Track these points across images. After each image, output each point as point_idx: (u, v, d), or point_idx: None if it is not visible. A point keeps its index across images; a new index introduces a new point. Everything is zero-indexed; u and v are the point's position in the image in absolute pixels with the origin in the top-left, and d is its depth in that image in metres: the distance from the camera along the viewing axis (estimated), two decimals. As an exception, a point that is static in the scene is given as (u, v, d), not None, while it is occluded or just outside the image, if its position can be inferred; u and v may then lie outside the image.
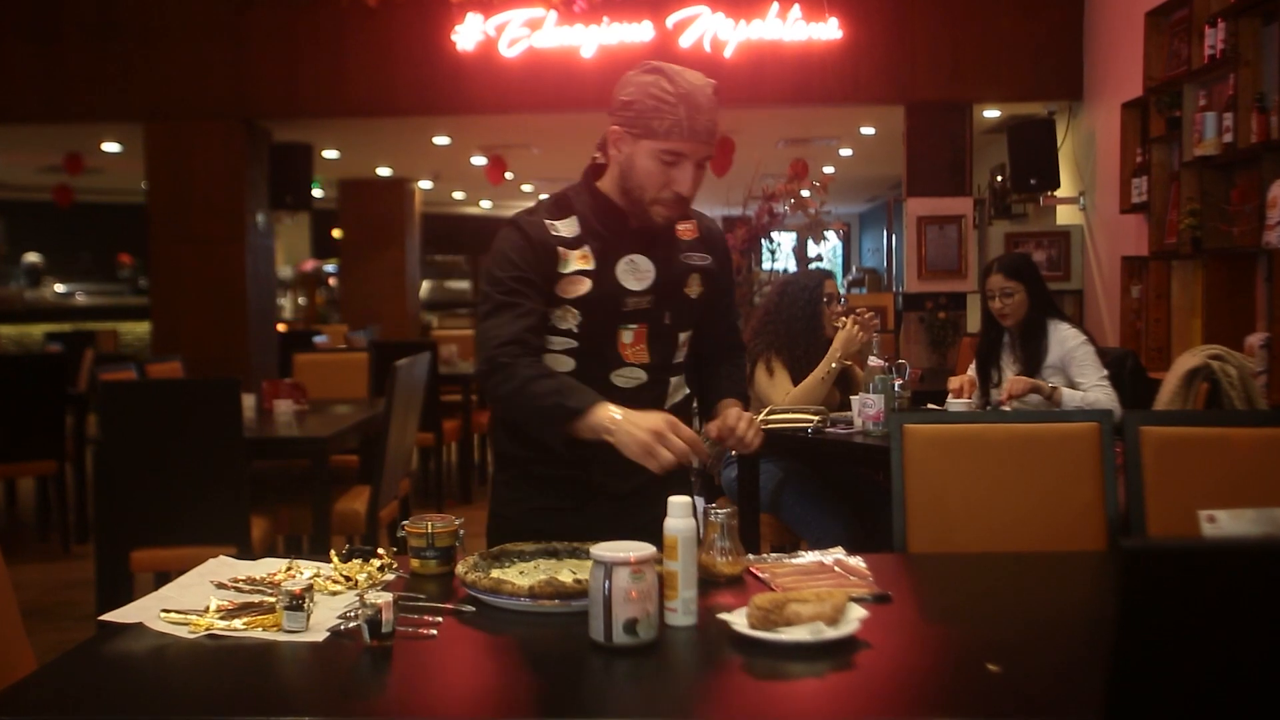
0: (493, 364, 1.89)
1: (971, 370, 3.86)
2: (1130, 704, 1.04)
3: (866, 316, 3.65)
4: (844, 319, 3.64)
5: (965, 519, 2.32)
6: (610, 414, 1.80)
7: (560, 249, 1.98)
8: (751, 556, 1.93)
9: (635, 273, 2.01)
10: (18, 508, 6.80)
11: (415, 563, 1.88)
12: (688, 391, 2.15)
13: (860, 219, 18.47)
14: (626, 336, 2.02)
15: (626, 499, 2.02)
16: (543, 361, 1.93)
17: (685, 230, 2.10)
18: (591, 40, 7.12)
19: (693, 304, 2.09)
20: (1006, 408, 3.45)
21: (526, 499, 2.08)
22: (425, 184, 12.83)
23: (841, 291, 4.00)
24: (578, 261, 1.98)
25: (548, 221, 2.00)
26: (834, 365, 3.59)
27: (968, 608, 1.79)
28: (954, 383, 3.64)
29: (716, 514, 1.82)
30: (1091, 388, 3.53)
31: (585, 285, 1.98)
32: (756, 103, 7.32)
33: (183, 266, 7.59)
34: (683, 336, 2.10)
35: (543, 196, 2.11)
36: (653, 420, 1.77)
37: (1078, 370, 3.59)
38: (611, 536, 1.78)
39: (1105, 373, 3.59)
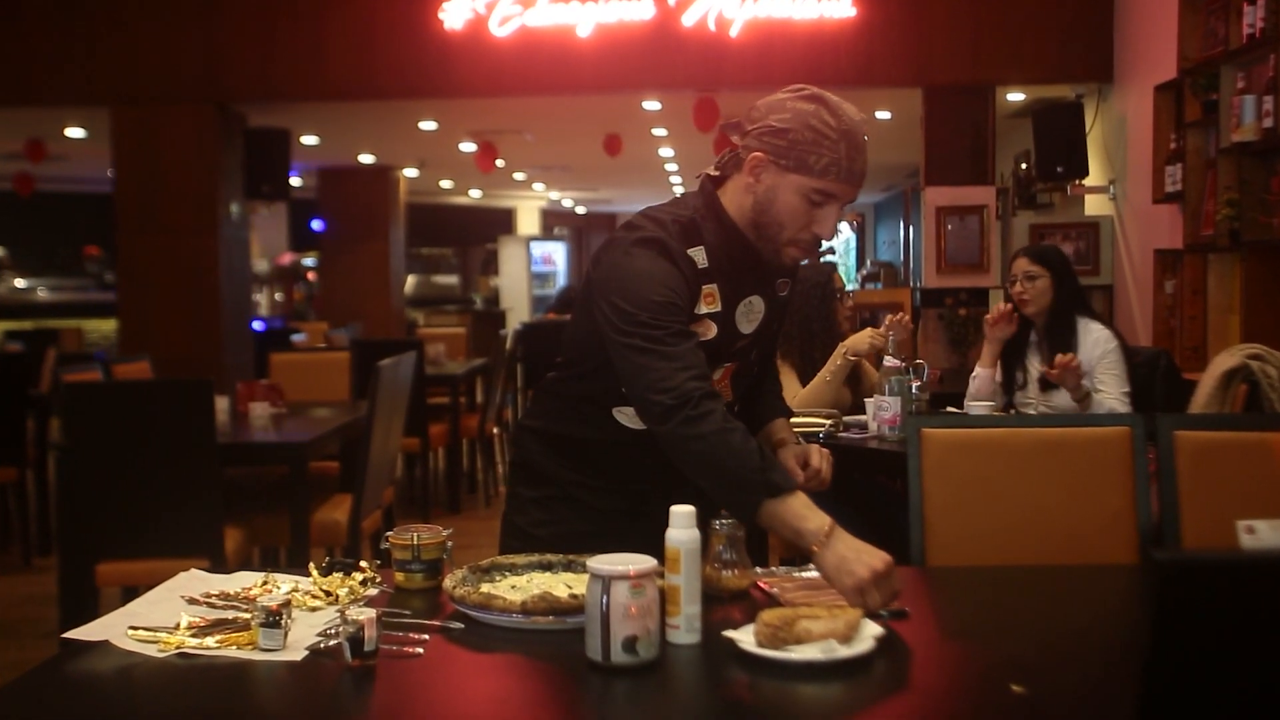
0: (684, 396, 1.75)
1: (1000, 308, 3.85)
2: (1163, 727, 1.04)
3: (904, 321, 3.66)
4: (890, 318, 3.63)
5: (987, 529, 2.32)
6: (823, 524, 1.70)
7: (701, 286, 1.90)
8: (759, 570, 1.94)
9: (749, 315, 1.97)
10: (-25, 518, 6.79)
11: (400, 576, 1.88)
12: None
13: (875, 210, 18.48)
14: (716, 374, 1.98)
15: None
16: (736, 419, 1.79)
17: None
18: (588, 18, 7.12)
19: (772, 337, 2.09)
20: (1047, 384, 3.50)
21: (562, 521, 2.06)
22: (410, 172, 12.83)
23: (850, 287, 4.02)
24: (704, 303, 1.91)
25: (689, 253, 1.89)
26: (840, 363, 3.59)
27: (989, 624, 1.79)
28: (991, 317, 3.74)
29: (721, 524, 1.82)
30: (1112, 401, 3.54)
31: (712, 330, 1.92)
32: (764, 85, 7.26)
33: (152, 260, 7.59)
34: (756, 369, 2.11)
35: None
36: (873, 559, 1.66)
37: (1102, 377, 3.59)
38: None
39: (1128, 388, 3.59)
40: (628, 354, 1.82)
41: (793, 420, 3.39)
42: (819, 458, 2.03)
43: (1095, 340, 3.63)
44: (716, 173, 1.97)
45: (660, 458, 1.87)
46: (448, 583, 1.76)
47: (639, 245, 1.88)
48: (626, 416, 1.98)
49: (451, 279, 18.36)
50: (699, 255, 1.91)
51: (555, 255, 17.69)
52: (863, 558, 1.67)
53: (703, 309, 1.90)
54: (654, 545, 1.66)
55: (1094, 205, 7.47)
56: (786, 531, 1.73)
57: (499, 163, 10.99)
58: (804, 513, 1.72)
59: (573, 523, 2.06)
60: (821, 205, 1.86)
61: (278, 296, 14.92)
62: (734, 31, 7.11)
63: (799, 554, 3.75)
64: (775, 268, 1.97)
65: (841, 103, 1.86)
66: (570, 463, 2.06)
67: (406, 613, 1.74)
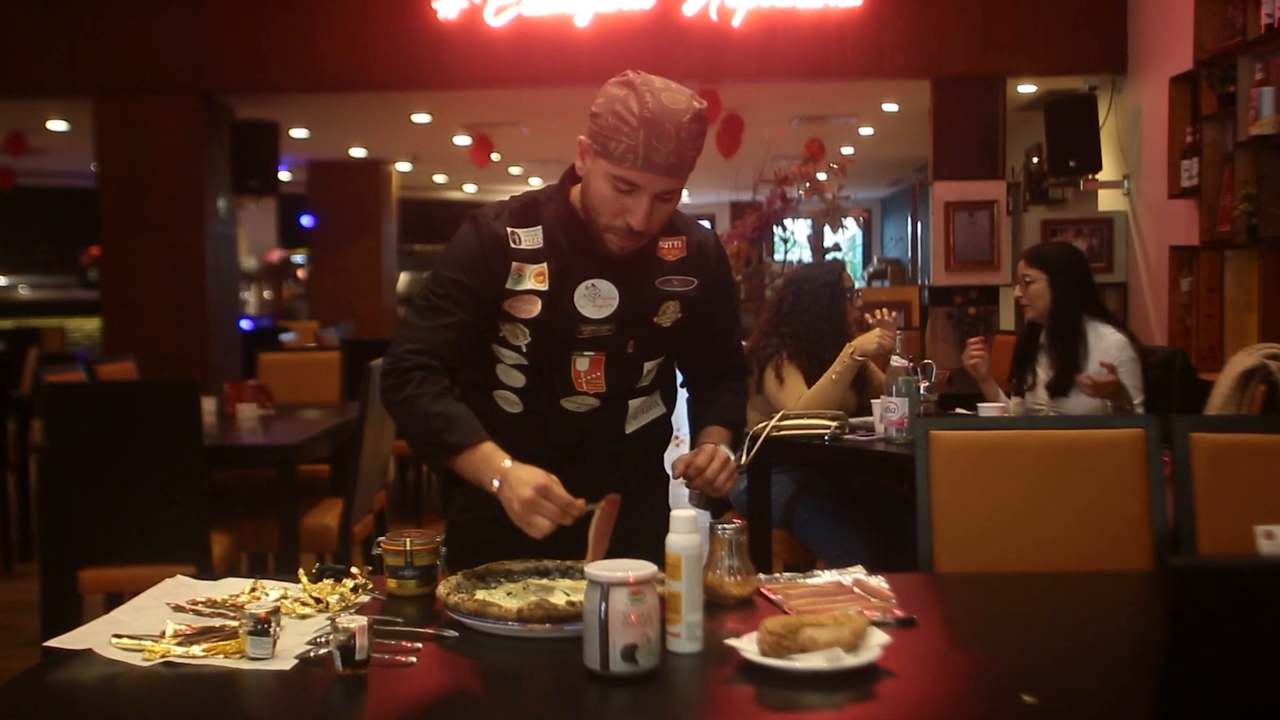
0: (395, 365, 1.93)
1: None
2: (1179, 739, 1.04)
3: (890, 316, 3.66)
4: (875, 314, 3.64)
5: (998, 535, 2.32)
6: (497, 468, 1.82)
7: (515, 263, 1.97)
8: (762, 576, 1.93)
9: (595, 299, 1.99)
10: (-46, 522, 6.79)
11: (392, 583, 1.88)
12: (662, 411, 2.16)
13: (882, 205, 18.48)
14: (581, 364, 2.02)
15: (586, 517, 2.04)
16: (443, 380, 1.94)
17: (670, 249, 2.06)
18: (586, 8, 7.12)
19: (664, 333, 2.08)
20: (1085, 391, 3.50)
21: (478, 508, 2.08)
22: (403, 166, 12.83)
23: (857, 285, 4.02)
24: (532, 279, 1.98)
25: (510, 230, 1.99)
26: (847, 364, 3.59)
27: (1000, 633, 1.80)
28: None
29: (724, 530, 1.82)
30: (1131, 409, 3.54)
31: (536, 306, 1.97)
32: (767, 77, 7.32)
33: (136, 257, 7.59)
34: (649, 365, 2.09)
35: (515, 193, 2.09)
36: (528, 484, 1.78)
37: None
38: (568, 553, 1.84)
39: (1143, 397, 3.59)
40: None
41: (798, 422, 3.43)
42: (707, 458, 2.01)
43: (1106, 346, 3.62)
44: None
45: (545, 443, 2.01)
46: (441, 589, 1.76)
47: (466, 221, 2.04)
48: (505, 401, 2.06)
49: (445, 277, 18.36)
50: (533, 235, 2.00)
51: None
52: (520, 488, 1.78)
53: (528, 284, 1.98)
54: (567, 540, 1.78)
55: (1107, 200, 7.47)
56: (473, 483, 1.88)
57: (494, 157, 10.99)
58: (480, 466, 1.85)
59: (487, 508, 2.05)
60: (628, 193, 1.89)
61: (266, 294, 14.92)
62: (736, 21, 7.11)
63: (802, 560, 3.77)
64: (610, 255, 1.98)
65: (662, 90, 1.87)
66: None
67: (399, 620, 1.74)
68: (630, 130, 1.84)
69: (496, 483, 1.82)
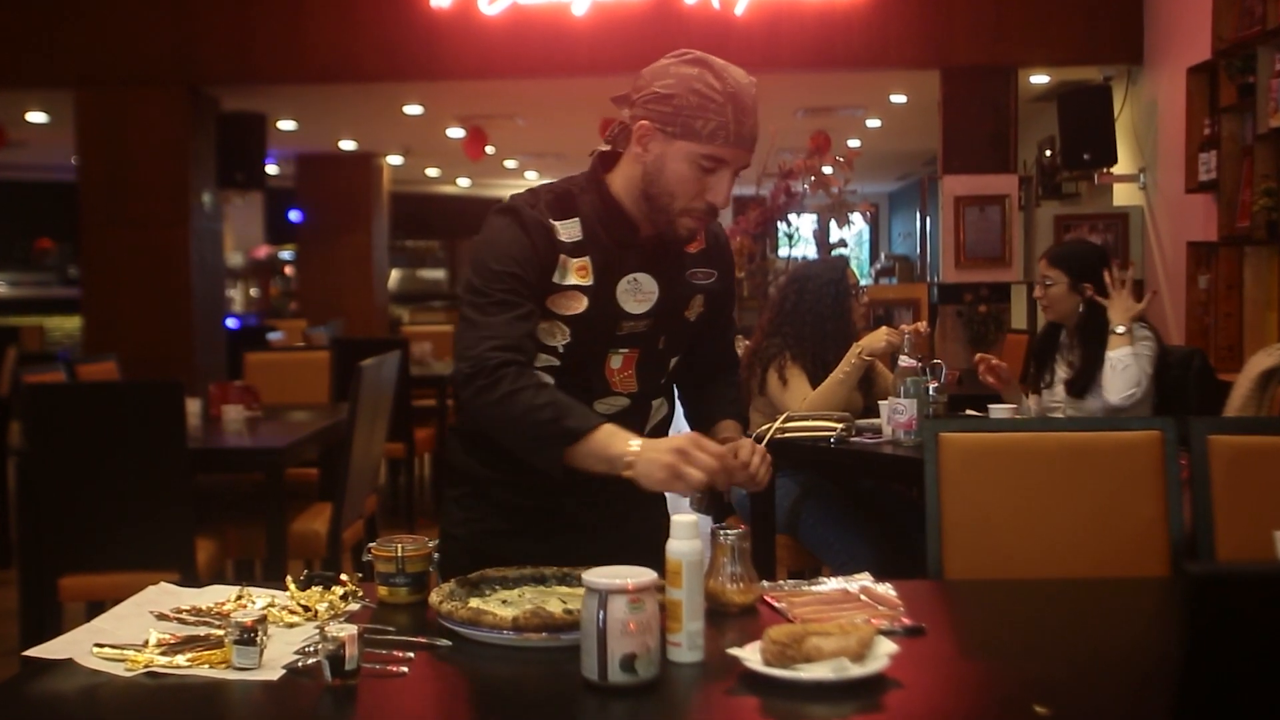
0: (480, 365, 1.85)
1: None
2: (1197, 751, 1.04)
3: (922, 330, 3.64)
4: (904, 327, 3.62)
5: (1009, 540, 2.32)
6: (627, 445, 1.79)
7: (561, 255, 1.96)
8: (766, 584, 1.93)
9: (637, 294, 2.00)
10: (-70, 528, 6.78)
11: (383, 590, 1.88)
12: (668, 410, 2.18)
13: (890, 199, 18.49)
14: (615, 362, 2.02)
15: (594, 528, 2.06)
16: (536, 375, 1.89)
17: (692, 243, 2.08)
18: (584, -4, 7.13)
19: (690, 327, 2.10)
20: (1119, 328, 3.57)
21: (480, 520, 2.09)
22: (395, 159, 12.83)
23: (864, 282, 4.01)
24: (575, 274, 1.96)
25: (552, 222, 1.96)
26: (854, 364, 3.58)
27: (1012, 641, 1.80)
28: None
29: (726, 535, 1.82)
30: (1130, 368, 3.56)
31: (581, 303, 1.96)
32: (772, 67, 7.31)
33: (119, 253, 7.59)
34: (673, 361, 2.12)
35: (542, 181, 2.08)
36: (673, 440, 1.78)
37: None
38: (575, 564, 1.84)
39: (1134, 390, 3.54)
40: (459, 321, 1.95)
41: (801, 424, 3.43)
42: (749, 451, 2.00)
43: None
44: (608, 147, 2.03)
45: None
46: (434, 597, 1.76)
47: (497, 214, 1.99)
48: None
49: (438, 273, 18.35)
50: (571, 227, 1.97)
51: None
52: (664, 445, 1.77)
53: (572, 280, 1.96)
54: (573, 548, 1.80)
55: (1123, 195, 7.47)
56: (600, 467, 1.81)
57: (489, 149, 10.98)
58: (608, 442, 1.80)
59: (489, 520, 2.08)
60: (713, 172, 1.91)
61: (253, 292, 14.92)
62: (739, 10, 7.11)
63: (807, 567, 3.76)
64: (667, 244, 2.00)
65: (727, 65, 1.92)
66: (485, 458, 2.08)
67: (390, 629, 1.74)
68: (718, 106, 1.88)
69: (630, 456, 1.77)
